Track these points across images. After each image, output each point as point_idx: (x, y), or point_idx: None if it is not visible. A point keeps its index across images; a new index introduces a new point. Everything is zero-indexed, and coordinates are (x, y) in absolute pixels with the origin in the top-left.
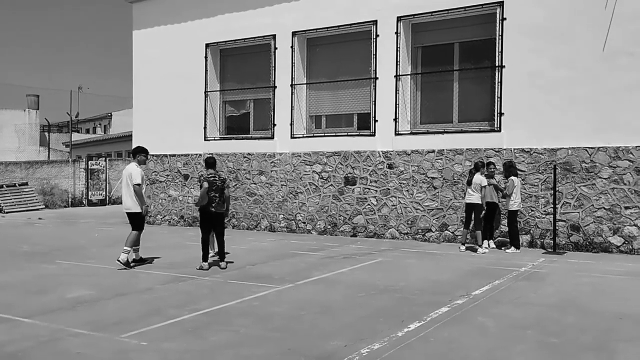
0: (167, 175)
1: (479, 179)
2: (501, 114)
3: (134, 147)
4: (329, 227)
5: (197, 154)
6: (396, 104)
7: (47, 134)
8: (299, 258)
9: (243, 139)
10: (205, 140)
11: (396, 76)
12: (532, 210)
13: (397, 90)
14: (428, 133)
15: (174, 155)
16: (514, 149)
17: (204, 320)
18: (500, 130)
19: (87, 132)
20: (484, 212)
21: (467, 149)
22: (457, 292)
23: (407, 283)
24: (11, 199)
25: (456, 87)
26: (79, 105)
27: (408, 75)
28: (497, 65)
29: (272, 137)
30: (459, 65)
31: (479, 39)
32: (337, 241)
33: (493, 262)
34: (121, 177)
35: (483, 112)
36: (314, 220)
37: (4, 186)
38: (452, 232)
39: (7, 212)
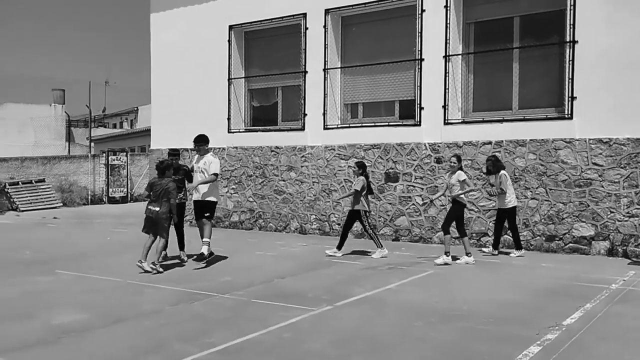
0: None
1: None
2: (572, 98)
3: (152, 141)
4: None
5: (220, 148)
6: (445, 89)
7: (71, 128)
8: (335, 268)
9: (270, 130)
10: (228, 132)
11: (445, 56)
12: (612, 212)
13: (446, 72)
14: (483, 121)
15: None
16: (589, 139)
17: None
18: (571, 117)
19: (114, 126)
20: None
21: (530, 140)
22: (542, 321)
23: (471, 306)
24: (27, 197)
25: (516, 68)
26: (105, 99)
27: (459, 55)
28: (567, 40)
29: (303, 128)
30: (519, 42)
31: (544, 10)
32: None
33: (569, 276)
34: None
35: (549, 96)
36: None
37: (20, 183)
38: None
39: (23, 210)
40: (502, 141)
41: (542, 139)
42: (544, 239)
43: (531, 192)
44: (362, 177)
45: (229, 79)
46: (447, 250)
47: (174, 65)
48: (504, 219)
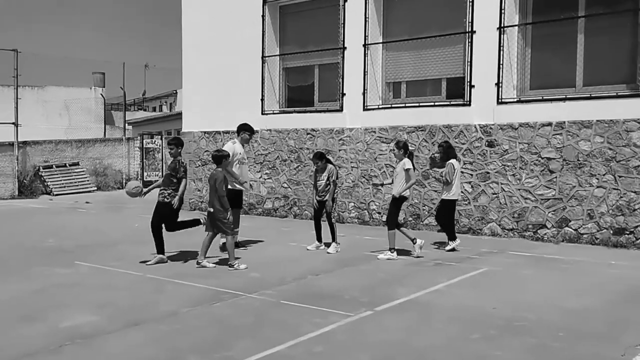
0: None
1: None
2: None
3: (183, 124)
4: (410, 219)
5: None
6: (499, 64)
7: (111, 111)
8: (375, 263)
9: (306, 111)
10: (262, 114)
11: (499, 28)
12: None
13: (500, 46)
14: (542, 100)
15: (228, 132)
16: None
17: None
18: None
19: (154, 109)
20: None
21: (597, 121)
22: (625, 336)
23: (536, 314)
24: (60, 180)
25: (581, 40)
26: (145, 82)
27: (515, 26)
28: None
29: (341, 109)
30: (586, 10)
31: None
32: (421, 237)
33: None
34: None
35: (619, 71)
36: None
37: (53, 166)
38: (575, 230)
39: (56, 194)
40: (563, 122)
41: (611, 120)
42: (611, 232)
43: (597, 179)
44: (331, 166)
45: (263, 57)
46: (412, 237)
47: (206, 44)
48: (450, 209)
